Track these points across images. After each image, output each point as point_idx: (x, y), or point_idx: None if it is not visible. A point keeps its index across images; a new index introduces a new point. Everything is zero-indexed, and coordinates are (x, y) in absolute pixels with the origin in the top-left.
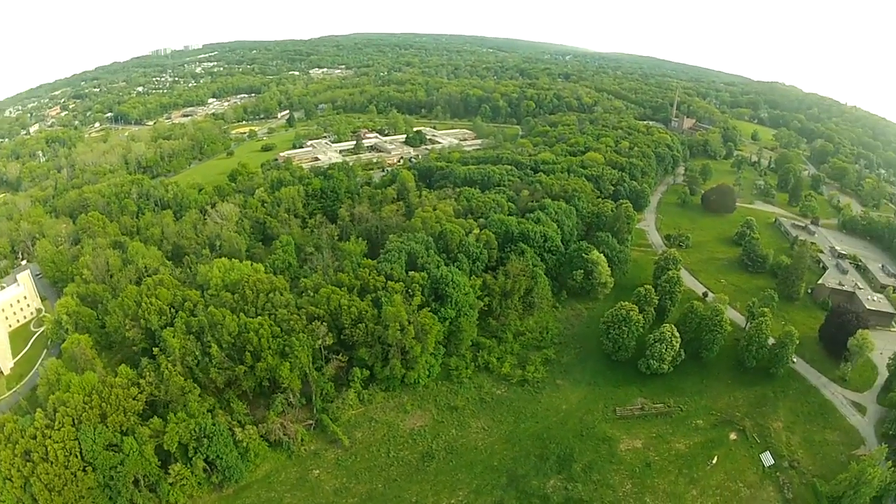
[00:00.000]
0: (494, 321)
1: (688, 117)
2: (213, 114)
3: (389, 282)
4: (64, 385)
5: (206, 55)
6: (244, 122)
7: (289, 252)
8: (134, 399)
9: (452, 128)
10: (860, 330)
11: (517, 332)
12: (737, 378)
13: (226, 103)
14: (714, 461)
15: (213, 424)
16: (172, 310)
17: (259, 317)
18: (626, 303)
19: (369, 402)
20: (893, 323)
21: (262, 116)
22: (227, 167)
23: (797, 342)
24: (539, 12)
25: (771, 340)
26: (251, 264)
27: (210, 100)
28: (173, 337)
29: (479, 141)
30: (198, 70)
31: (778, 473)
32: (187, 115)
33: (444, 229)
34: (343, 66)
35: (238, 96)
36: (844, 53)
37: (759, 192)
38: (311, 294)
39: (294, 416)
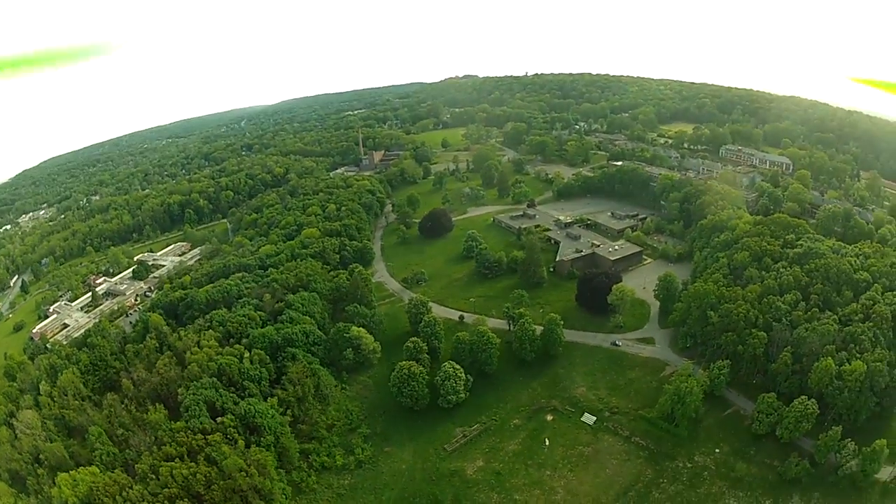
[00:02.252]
0: (304, 426)
1: (376, 151)
2: None
3: (207, 436)
4: None
5: None
6: None
7: (105, 443)
8: None
9: (168, 244)
10: (614, 285)
11: (328, 426)
12: (525, 372)
13: None
14: (547, 443)
15: None
16: None
17: None
18: (404, 362)
19: None
20: (644, 257)
21: None
22: None
23: (561, 322)
24: (202, 86)
25: (538, 329)
26: (86, 469)
27: None
28: None
29: (197, 250)
30: None
31: (605, 423)
32: None
33: (220, 365)
34: (45, 205)
35: None
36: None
37: (468, 198)
38: (154, 477)
39: None
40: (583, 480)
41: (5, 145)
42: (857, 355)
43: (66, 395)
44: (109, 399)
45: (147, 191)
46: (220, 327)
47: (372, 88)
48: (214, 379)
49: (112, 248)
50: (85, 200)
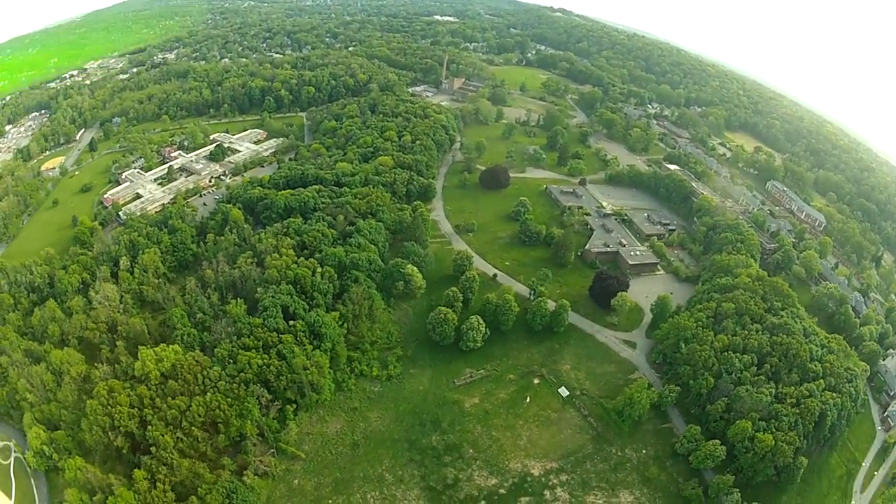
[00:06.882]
0: (353, 336)
1: (457, 77)
2: (18, 149)
3: (281, 335)
4: None
5: None
6: (48, 151)
7: (186, 325)
8: (165, 494)
9: (244, 127)
10: (619, 293)
11: (371, 341)
12: (530, 339)
13: (22, 128)
14: (527, 400)
15: (231, 482)
16: (135, 409)
17: (208, 394)
18: (442, 307)
19: (300, 423)
20: (658, 267)
21: (62, 142)
22: (60, 221)
23: (569, 308)
24: None
25: (551, 305)
26: (169, 347)
27: (7, 126)
28: (163, 435)
29: (273, 141)
30: None
31: (574, 400)
32: None
33: (297, 274)
34: (116, 53)
35: (30, 116)
36: None
37: (529, 158)
38: (232, 362)
39: (260, 452)
40: (542, 436)
41: None
42: (773, 430)
43: (145, 272)
44: (191, 284)
45: (226, 61)
46: (297, 236)
47: None
48: (291, 286)
49: (192, 122)
50: (160, 57)
